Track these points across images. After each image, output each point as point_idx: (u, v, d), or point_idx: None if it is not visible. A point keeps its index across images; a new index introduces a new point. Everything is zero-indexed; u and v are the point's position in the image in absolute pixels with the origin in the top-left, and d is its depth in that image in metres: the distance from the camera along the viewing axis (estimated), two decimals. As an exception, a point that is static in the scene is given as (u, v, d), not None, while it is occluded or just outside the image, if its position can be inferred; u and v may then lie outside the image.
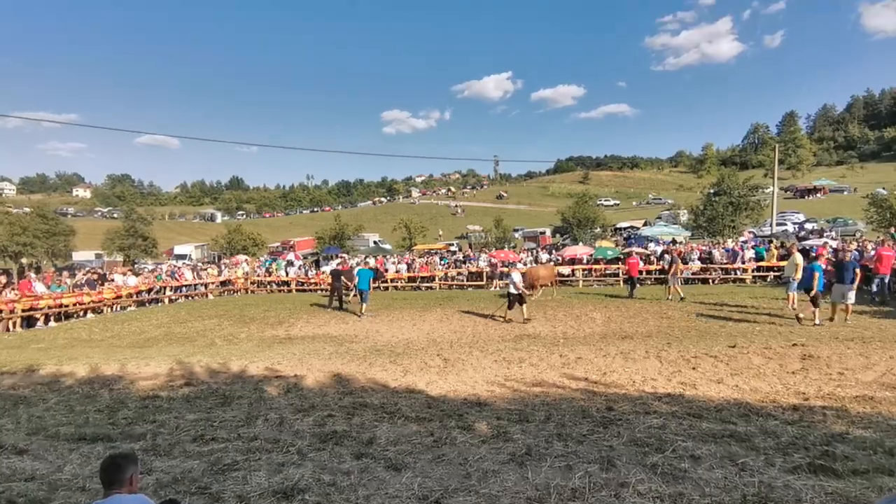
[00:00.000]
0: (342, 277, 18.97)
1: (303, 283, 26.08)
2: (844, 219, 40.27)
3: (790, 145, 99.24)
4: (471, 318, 15.23)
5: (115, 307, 20.35)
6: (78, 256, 42.87)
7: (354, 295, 18.57)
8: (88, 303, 19.26)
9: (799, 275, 13.66)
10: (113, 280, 21.92)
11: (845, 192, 67.46)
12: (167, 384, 8.39)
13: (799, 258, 13.97)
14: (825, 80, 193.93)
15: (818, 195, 68.07)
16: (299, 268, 28.95)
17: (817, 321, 11.59)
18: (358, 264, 22.62)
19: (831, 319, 11.94)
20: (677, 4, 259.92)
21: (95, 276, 22.18)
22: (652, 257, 22.33)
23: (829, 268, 13.83)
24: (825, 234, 31.53)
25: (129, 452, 2.71)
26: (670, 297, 16.51)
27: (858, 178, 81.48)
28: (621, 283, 21.52)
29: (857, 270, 12.16)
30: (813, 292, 11.81)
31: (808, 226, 39.89)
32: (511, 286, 14.36)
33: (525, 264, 23.84)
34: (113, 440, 5.70)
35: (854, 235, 31.01)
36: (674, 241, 28.45)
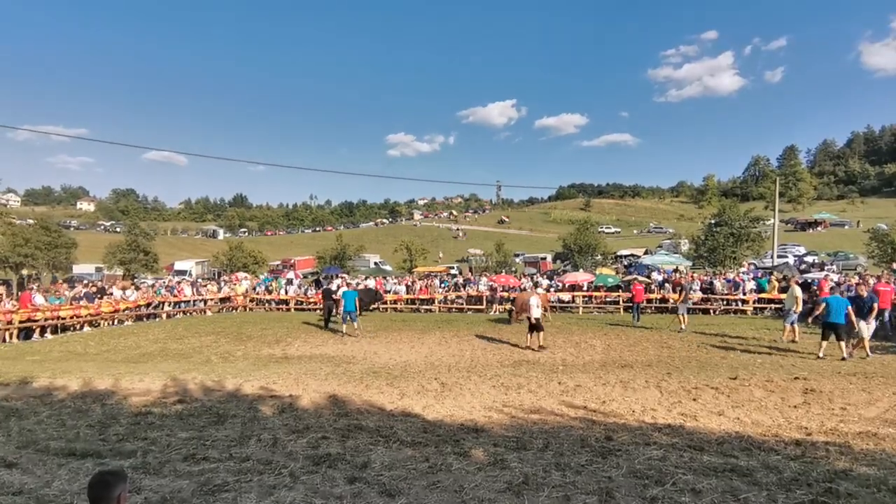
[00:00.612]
0: (333, 297, 19.00)
1: (302, 303, 25.99)
2: (845, 252, 40.28)
3: (791, 178, 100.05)
4: (469, 342, 15.11)
5: (112, 321, 20.25)
6: (78, 269, 42.92)
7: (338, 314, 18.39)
8: (86, 316, 19.17)
9: (799, 307, 13.75)
10: (111, 294, 21.85)
11: (846, 227, 67.64)
12: (160, 400, 8.28)
13: (798, 291, 14.16)
14: (825, 115, 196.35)
15: (819, 228, 68.27)
16: (299, 286, 28.89)
17: (844, 355, 11.14)
18: (338, 287, 22.50)
19: (846, 356, 11.29)
20: (680, 39, 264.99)
21: (94, 290, 22.12)
22: (653, 286, 22.25)
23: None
24: (826, 268, 31.52)
25: (118, 470, 2.64)
26: (684, 327, 16.08)
27: (859, 212, 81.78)
28: (621, 310, 21.48)
29: (875, 305, 11.99)
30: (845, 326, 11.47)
31: (809, 258, 39.89)
32: (532, 311, 13.96)
33: (524, 289, 23.79)
34: (103, 456, 5.60)
35: (855, 269, 30.97)
36: (676, 270, 28.43)
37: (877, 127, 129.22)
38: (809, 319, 12.82)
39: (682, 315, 16.54)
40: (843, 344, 11.32)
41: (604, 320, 19.43)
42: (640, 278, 23.60)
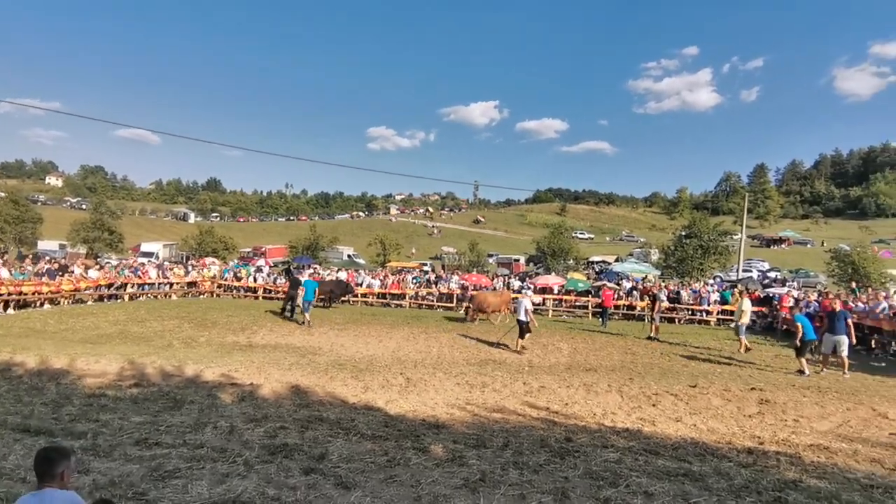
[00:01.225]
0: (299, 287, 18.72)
1: (270, 291, 25.57)
2: (806, 270, 41.68)
3: (759, 196, 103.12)
4: (438, 338, 15.10)
5: (72, 300, 19.60)
6: (43, 245, 41.57)
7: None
8: (46, 293, 18.53)
9: (745, 319, 14.50)
10: (73, 272, 21.14)
11: (809, 245, 69.96)
12: (115, 383, 8.05)
13: (747, 304, 14.87)
14: (796, 136, 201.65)
15: (783, 245, 70.49)
16: (268, 275, 28.40)
17: (807, 372, 11.25)
18: (299, 273, 22.23)
19: (818, 371, 11.56)
20: (662, 52, 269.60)
21: (56, 266, 21.37)
22: (620, 293, 22.64)
23: (821, 317, 14.28)
24: (787, 284, 32.54)
25: (61, 447, 2.66)
26: (657, 336, 16.19)
27: (822, 232, 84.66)
28: (590, 315, 21.77)
29: (849, 321, 11.95)
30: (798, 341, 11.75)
31: (772, 274, 41.13)
32: (520, 313, 13.80)
33: (496, 289, 23.93)
34: (54, 435, 5.45)
35: (815, 287, 32.05)
36: (645, 279, 28.94)
37: (844, 150, 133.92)
38: (797, 357, 12.01)
39: (655, 323, 16.65)
40: (803, 360, 11.62)
41: (572, 324, 19.66)
42: (610, 284, 23.97)
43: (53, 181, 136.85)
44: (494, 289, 23.92)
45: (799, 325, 11.89)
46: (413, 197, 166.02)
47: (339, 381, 9.06)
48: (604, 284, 23.76)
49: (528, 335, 13.82)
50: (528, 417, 7.24)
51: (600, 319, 19.57)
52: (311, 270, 27.04)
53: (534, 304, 22.54)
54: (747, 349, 14.02)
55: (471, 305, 19.18)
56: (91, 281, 20.90)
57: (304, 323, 16.84)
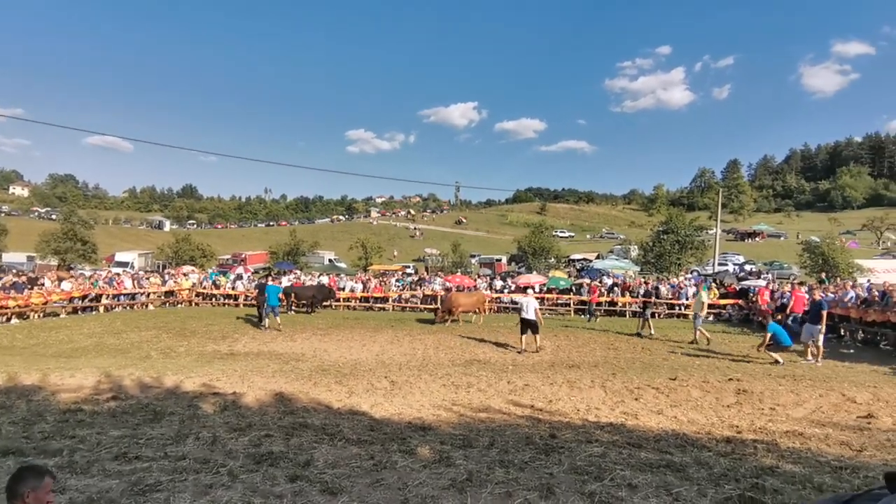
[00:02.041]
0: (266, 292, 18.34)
1: (251, 298, 25.25)
2: (780, 262, 42.67)
3: (733, 191, 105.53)
4: (422, 340, 15.10)
5: (43, 314, 19.08)
6: (9, 258, 40.32)
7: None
8: (14, 307, 18.00)
9: (704, 311, 15.22)
10: (43, 285, 20.59)
11: (782, 238, 71.68)
12: (92, 397, 7.87)
13: (704, 297, 15.67)
14: (767, 132, 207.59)
15: (757, 239, 72.12)
16: (248, 280, 28.06)
17: (781, 361, 11.46)
18: (273, 280, 21.90)
19: (780, 361, 11.63)
20: (636, 51, 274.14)
21: (24, 279, 20.78)
22: (603, 289, 22.90)
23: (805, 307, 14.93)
24: (762, 276, 33.28)
25: (35, 467, 2.55)
26: (652, 333, 16.24)
27: (794, 225, 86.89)
28: (572, 312, 22.01)
29: (823, 312, 12.14)
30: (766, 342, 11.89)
31: (748, 267, 42.00)
32: (525, 312, 13.60)
33: (477, 289, 24.04)
34: (25, 455, 5.26)
35: (788, 278, 32.87)
36: (625, 276, 29.33)
37: (813, 145, 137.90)
38: (758, 349, 12.35)
39: (647, 321, 16.73)
40: (774, 354, 11.82)
41: (555, 322, 19.83)
42: (588, 281, 24.28)
43: (19, 191, 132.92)
44: (469, 290, 23.97)
45: (768, 334, 11.89)
46: (394, 199, 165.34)
47: (323, 387, 9.01)
48: (584, 282, 24.05)
49: (537, 335, 13.51)
50: (513, 416, 7.29)
51: (587, 316, 19.86)
52: (294, 276, 26.72)
53: (515, 303, 22.60)
54: (708, 340, 14.31)
55: (440, 307, 19.16)
56: (64, 293, 20.39)
57: (273, 329, 16.74)
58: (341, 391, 8.76)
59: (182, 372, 9.94)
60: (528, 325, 13.49)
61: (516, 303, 23.02)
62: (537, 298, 22.18)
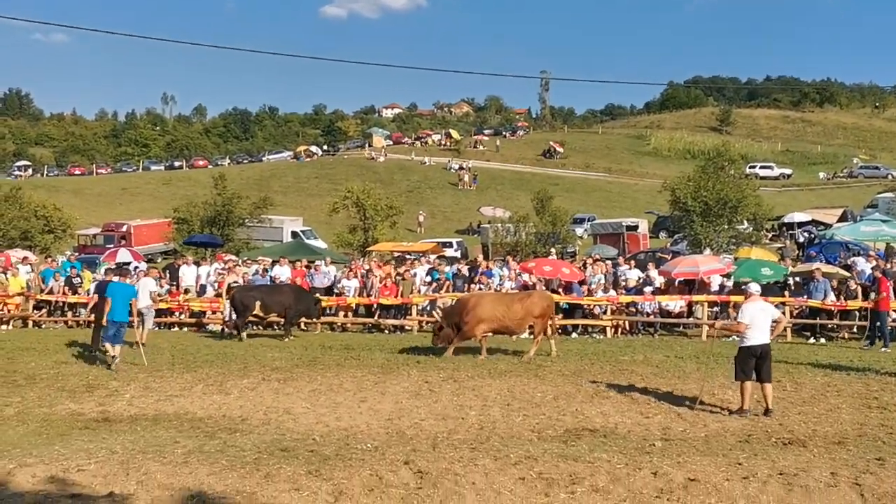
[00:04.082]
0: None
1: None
2: None
3: None
4: (479, 390, 8.32)
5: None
6: None
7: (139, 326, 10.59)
8: None
9: None
10: None
11: None
12: None
13: None
14: None
15: None
16: (136, 277, 14.84)
17: None
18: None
19: None
20: None
21: None
22: (852, 283, 13.11)
23: None
24: None
25: None
26: None
27: None
28: (789, 332, 12.12)
29: None
30: None
31: None
32: (754, 332, 6.91)
33: (533, 288, 13.93)
34: None
35: None
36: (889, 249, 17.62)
37: None
38: None
39: None
40: None
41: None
42: (825, 268, 13.82)
43: None
44: (530, 289, 13.57)
45: None
46: (417, 111, 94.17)
47: (282, 483, 5.09)
48: (817, 269, 13.55)
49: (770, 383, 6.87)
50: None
51: (866, 339, 11.57)
52: (221, 265, 17.15)
53: (669, 312, 13.82)
54: None
55: (441, 320, 11.25)
56: None
57: (111, 365, 9.75)
58: (321, 492, 5.04)
59: (12, 454, 5.70)
60: (759, 361, 6.89)
61: (666, 311, 13.30)
62: (712, 304, 13.31)
